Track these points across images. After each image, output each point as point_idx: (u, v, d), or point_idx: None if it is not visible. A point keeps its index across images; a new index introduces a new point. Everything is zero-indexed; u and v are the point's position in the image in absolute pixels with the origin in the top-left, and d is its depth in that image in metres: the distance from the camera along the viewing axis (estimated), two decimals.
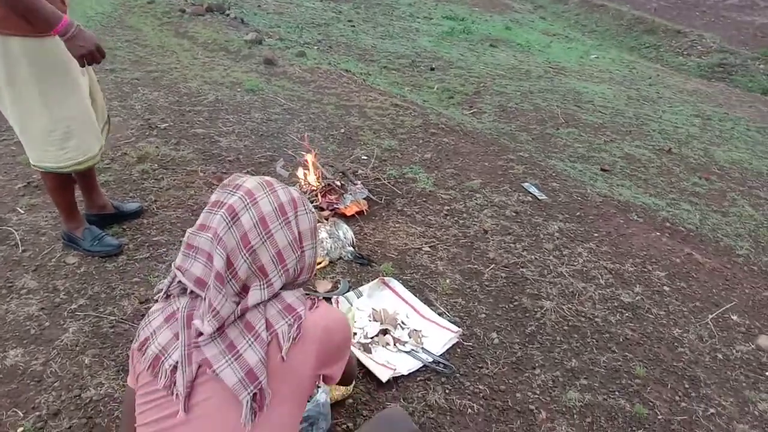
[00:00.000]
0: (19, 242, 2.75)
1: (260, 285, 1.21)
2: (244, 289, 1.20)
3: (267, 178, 1.28)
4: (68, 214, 2.67)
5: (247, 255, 1.18)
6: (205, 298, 1.18)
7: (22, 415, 1.93)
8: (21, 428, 1.88)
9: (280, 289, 1.25)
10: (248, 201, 1.20)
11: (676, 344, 2.54)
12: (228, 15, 7.48)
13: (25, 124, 2.32)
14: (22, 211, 2.99)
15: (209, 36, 6.52)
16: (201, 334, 1.17)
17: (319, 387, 1.97)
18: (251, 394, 1.15)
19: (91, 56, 2.16)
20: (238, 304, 1.19)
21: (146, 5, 7.40)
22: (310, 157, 3.31)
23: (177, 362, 1.17)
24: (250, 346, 1.17)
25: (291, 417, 1.24)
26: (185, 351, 1.17)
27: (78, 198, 2.82)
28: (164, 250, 2.79)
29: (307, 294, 1.32)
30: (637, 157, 4.78)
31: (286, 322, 1.20)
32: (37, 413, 1.94)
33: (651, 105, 6.50)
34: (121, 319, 2.36)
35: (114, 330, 2.31)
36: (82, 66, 2.21)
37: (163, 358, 1.19)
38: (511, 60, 7.94)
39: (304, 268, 1.31)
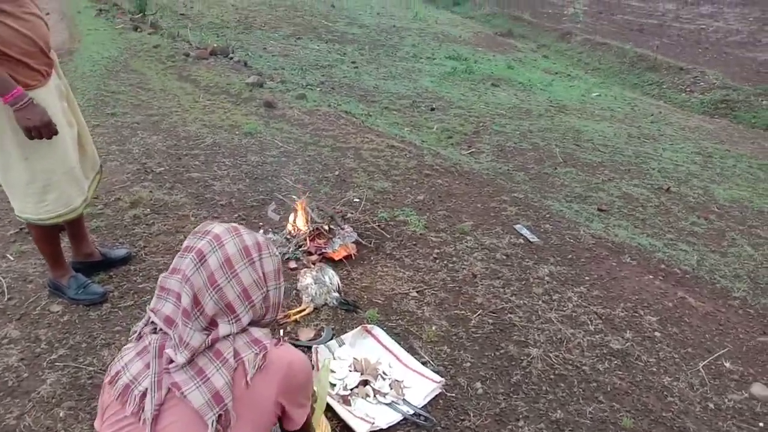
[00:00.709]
0: (6, 290, 2.77)
1: (229, 320, 1.33)
2: (213, 324, 1.31)
3: (234, 224, 1.39)
4: (54, 263, 2.69)
5: (213, 293, 1.29)
6: (173, 335, 1.30)
7: None
8: None
9: (248, 325, 1.37)
10: (215, 244, 1.31)
11: (665, 393, 2.47)
12: (231, 58, 7.64)
13: (5, 175, 2.36)
14: (12, 258, 3.02)
15: (211, 79, 6.65)
16: (172, 361, 1.28)
17: None
18: (216, 416, 1.25)
19: (37, 131, 2.20)
20: (208, 335, 1.30)
21: (152, 49, 7.57)
22: (299, 203, 3.33)
23: (146, 389, 1.26)
24: (217, 370, 1.28)
25: None
26: (155, 378, 1.27)
27: (66, 245, 2.84)
28: (149, 297, 2.79)
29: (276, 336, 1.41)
30: (635, 196, 4.75)
31: (253, 351, 1.32)
32: None
33: (652, 143, 6.49)
34: (100, 369, 2.34)
35: (92, 381, 2.29)
36: (30, 138, 2.22)
37: (132, 386, 1.28)
38: (512, 99, 7.99)
39: (269, 308, 1.41)
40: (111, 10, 9.93)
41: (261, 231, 3.45)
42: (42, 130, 2.20)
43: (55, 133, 2.27)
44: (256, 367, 1.31)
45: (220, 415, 1.26)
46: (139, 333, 1.37)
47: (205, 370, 1.28)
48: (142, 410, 1.25)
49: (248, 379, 1.29)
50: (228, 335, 1.32)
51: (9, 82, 2.12)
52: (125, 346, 1.39)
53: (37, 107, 2.19)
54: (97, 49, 7.30)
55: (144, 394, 1.26)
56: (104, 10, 9.86)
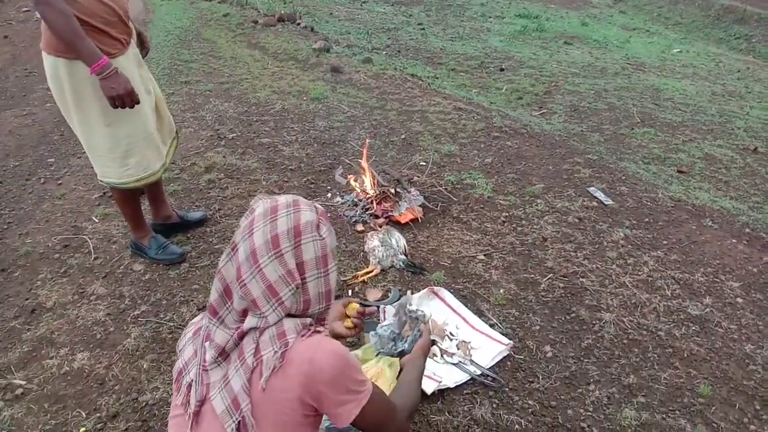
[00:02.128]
0: (92, 250, 2.94)
1: (257, 314, 1.20)
2: (244, 314, 1.21)
3: (280, 200, 1.24)
4: (135, 224, 2.82)
5: (239, 288, 1.19)
6: (212, 328, 1.23)
7: (84, 415, 2.06)
8: (83, 428, 2.01)
9: (289, 316, 1.23)
10: (246, 233, 1.20)
11: (747, 361, 2.36)
12: (299, 24, 7.67)
13: (89, 141, 2.48)
14: (97, 221, 3.20)
15: (279, 46, 6.71)
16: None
17: None
18: (236, 422, 1.16)
19: (121, 99, 2.28)
20: (235, 331, 1.20)
21: (221, 18, 7.71)
22: (365, 166, 3.34)
23: (192, 380, 1.22)
24: (236, 372, 1.18)
25: None
26: (200, 369, 1.22)
27: (146, 208, 2.98)
28: None
29: (311, 325, 1.24)
30: (718, 157, 4.48)
31: (273, 349, 1.17)
32: (98, 414, 2.06)
33: (738, 101, 6.08)
34: (180, 325, 2.47)
35: (172, 336, 2.42)
36: (114, 107, 2.31)
37: (183, 373, 1.25)
38: (586, 57, 7.67)
39: (311, 300, 1.24)
40: None
41: (329, 194, 3.50)
42: (125, 98, 2.29)
43: (138, 101, 2.35)
44: (272, 368, 1.16)
45: (238, 422, 1.17)
46: (210, 304, 1.28)
47: (228, 372, 1.20)
48: (188, 403, 1.23)
49: (263, 383, 1.16)
50: (254, 328, 1.20)
51: (96, 52, 2.21)
52: (195, 318, 1.37)
53: (121, 76, 2.27)
54: (170, 20, 7.51)
55: (190, 386, 1.23)
56: None
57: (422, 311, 1.90)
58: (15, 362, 2.28)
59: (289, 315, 1.23)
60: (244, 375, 1.17)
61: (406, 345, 1.85)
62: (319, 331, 1.23)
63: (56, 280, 2.74)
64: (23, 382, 2.18)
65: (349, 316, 1.68)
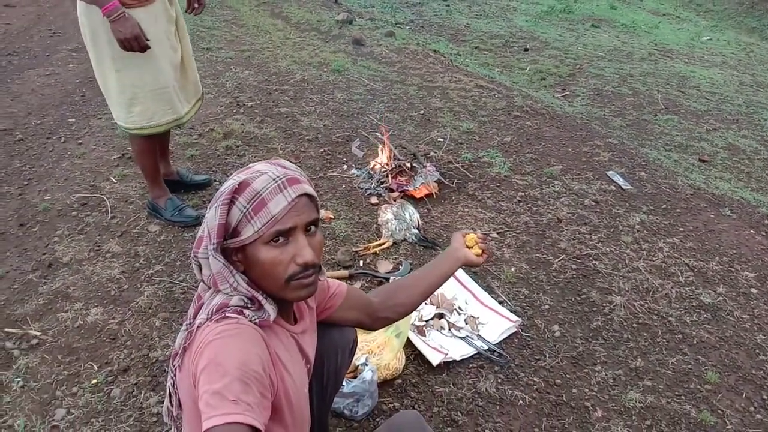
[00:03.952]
0: (109, 209, 2.97)
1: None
2: None
3: (257, 164, 1.15)
4: (152, 179, 2.84)
5: None
6: None
7: (96, 368, 2.10)
8: (95, 380, 2.05)
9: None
10: None
11: (757, 351, 2.34)
12: None
13: (103, 83, 2.57)
14: (115, 180, 3.23)
15: (302, 16, 6.66)
16: None
17: (366, 365, 2.00)
18: (168, 398, 1.22)
19: (128, 43, 2.32)
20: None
21: None
22: (384, 139, 3.33)
23: None
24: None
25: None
26: None
27: None
28: None
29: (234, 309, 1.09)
30: (741, 148, 4.40)
31: (187, 327, 1.11)
32: (110, 368, 2.10)
33: (766, 92, 5.94)
34: (193, 286, 2.50)
35: (184, 296, 2.45)
36: (124, 50, 2.35)
37: None
38: (613, 41, 7.52)
39: (214, 276, 1.12)
40: None
41: (345, 166, 3.50)
42: (132, 42, 2.33)
43: (145, 47, 2.38)
44: (179, 347, 1.09)
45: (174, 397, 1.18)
46: None
47: None
48: None
49: (177, 361, 1.10)
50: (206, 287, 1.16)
51: None
52: None
53: (129, 20, 2.31)
54: None
55: None
56: None
57: None
58: (31, 313, 2.33)
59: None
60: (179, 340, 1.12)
61: None
62: (229, 317, 1.06)
63: (73, 236, 2.78)
64: (38, 333, 2.23)
65: (471, 247, 1.61)
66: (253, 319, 1.08)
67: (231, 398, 0.90)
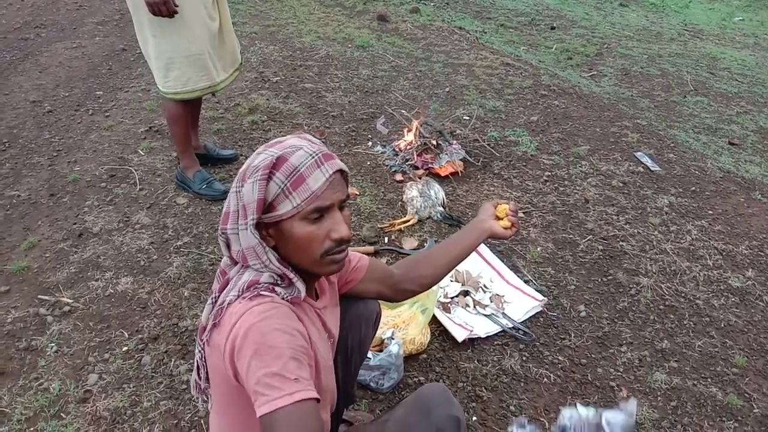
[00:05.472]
0: (138, 181, 3.01)
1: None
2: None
3: (286, 139, 1.14)
4: (183, 148, 2.87)
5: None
6: None
7: (127, 335, 2.15)
8: (126, 347, 2.10)
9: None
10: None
11: None
12: None
13: (143, 48, 2.64)
14: (143, 153, 3.26)
15: None
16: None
17: (392, 338, 2.01)
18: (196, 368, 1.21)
19: (156, 7, 2.35)
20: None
21: None
22: (415, 122, 3.31)
23: None
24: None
25: (238, 408, 1.13)
26: None
27: None
28: None
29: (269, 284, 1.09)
30: None
31: (219, 304, 1.09)
32: (140, 336, 2.15)
33: None
34: (219, 257, 2.52)
35: (212, 267, 2.48)
36: (153, 14, 2.38)
37: None
38: (641, 21, 7.36)
39: (243, 252, 1.11)
40: None
41: (370, 143, 3.49)
42: (161, 6, 2.35)
43: (173, 12, 2.40)
44: (210, 324, 1.09)
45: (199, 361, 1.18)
46: None
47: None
48: None
49: (205, 337, 1.11)
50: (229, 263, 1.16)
51: None
52: None
53: None
54: None
55: None
56: None
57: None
58: (63, 282, 2.37)
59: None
60: (203, 318, 1.14)
61: None
62: (263, 295, 1.06)
63: (102, 207, 2.82)
64: (70, 301, 2.28)
65: (501, 218, 1.53)
66: (285, 296, 1.09)
67: (292, 377, 0.94)
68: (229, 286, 1.12)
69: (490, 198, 3.04)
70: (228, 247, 1.14)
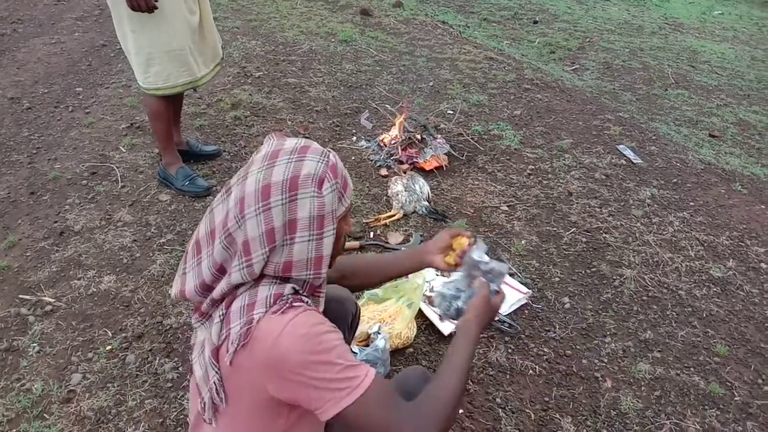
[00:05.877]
0: (120, 178, 2.97)
1: (227, 273, 1.07)
2: (220, 271, 1.07)
3: (287, 143, 1.08)
4: (165, 144, 2.84)
5: (223, 236, 1.05)
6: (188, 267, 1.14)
7: (111, 335, 2.12)
8: (110, 346, 2.07)
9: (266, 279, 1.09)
10: (241, 176, 1.07)
11: (766, 324, 2.35)
12: None
13: (123, 44, 2.60)
14: (124, 150, 3.22)
15: None
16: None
17: (378, 333, 2.01)
18: (208, 395, 1.10)
19: (135, 2, 2.33)
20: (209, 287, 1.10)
21: None
22: (399, 117, 3.31)
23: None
24: (210, 339, 1.09)
25: (258, 427, 1.13)
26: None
27: None
28: None
29: (293, 294, 1.07)
30: (752, 123, 4.36)
31: (240, 323, 1.03)
32: (124, 334, 2.12)
33: None
34: None
35: None
36: (132, 9, 2.35)
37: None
38: (623, 14, 7.42)
39: (293, 263, 1.06)
40: None
41: (354, 138, 3.48)
42: (139, 1, 2.33)
43: (153, 7, 2.37)
44: (236, 346, 1.02)
45: (212, 390, 1.09)
46: (196, 240, 1.15)
47: (206, 336, 1.11)
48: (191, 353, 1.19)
49: (227, 360, 1.04)
50: (225, 292, 1.08)
51: None
52: None
53: None
54: None
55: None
56: None
57: (500, 263, 1.39)
58: (44, 281, 2.34)
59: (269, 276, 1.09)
60: (209, 347, 1.08)
61: (460, 302, 1.40)
62: (296, 306, 1.03)
63: (84, 205, 2.79)
64: (52, 300, 2.25)
65: (454, 250, 1.45)
66: (310, 305, 1.09)
67: (357, 363, 1.04)
68: (242, 302, 1.06)
69: (475, 192, 3.05)
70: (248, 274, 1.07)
